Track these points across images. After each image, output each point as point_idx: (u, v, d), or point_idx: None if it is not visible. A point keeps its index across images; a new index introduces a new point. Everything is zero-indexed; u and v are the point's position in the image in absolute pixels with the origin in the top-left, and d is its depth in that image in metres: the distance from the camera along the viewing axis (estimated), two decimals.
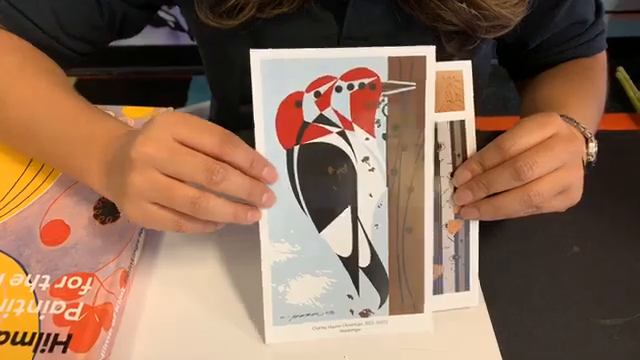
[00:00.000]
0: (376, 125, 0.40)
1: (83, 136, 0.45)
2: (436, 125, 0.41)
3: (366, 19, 0.52)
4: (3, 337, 0.40)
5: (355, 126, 0.40)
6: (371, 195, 0.41)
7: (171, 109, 0.57)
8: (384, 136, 0.40)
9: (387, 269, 0.43)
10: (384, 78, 0.39)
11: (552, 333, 0.45)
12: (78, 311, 0.42)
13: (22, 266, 0.44)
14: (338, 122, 0.40)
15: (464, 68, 0.42)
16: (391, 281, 0.43)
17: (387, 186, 0.41)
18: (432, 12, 0.47)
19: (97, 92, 1.78)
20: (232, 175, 0.37)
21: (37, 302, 0.42)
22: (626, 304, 0.47)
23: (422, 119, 0.40)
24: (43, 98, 0.48)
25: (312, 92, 0.39)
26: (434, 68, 0.39)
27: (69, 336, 0.40)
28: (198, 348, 0.43)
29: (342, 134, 0.40)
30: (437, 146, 0.42)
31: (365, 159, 0.41)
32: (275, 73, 0.38)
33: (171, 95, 1.77)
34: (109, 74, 1.88)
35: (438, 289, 0.44)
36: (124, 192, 0.38)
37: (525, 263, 0.50)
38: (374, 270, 0.43)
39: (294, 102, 0.39)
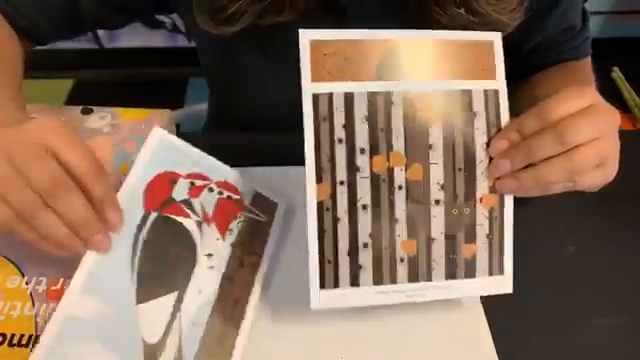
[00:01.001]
0: (228, 232, 0.44)
1: None
2: (471, 92, 0.41)
3: (365, 23, 0.52)
4: (0, 338, 0.40)
5: (212, 223, 0.43)
6: (200, 292, 0.40)
7: (168, 111, 0.57)
8: (232, 245, 0.44)
9: None
10: (247, 202, 0.47)
11: (549, 332, 0.44)
12: None
13: (19, 268, 0.44)
14: (200, 212, 0.43)
15: (495, 38, 0.41)
16: None
17: (218, 290, 0.42)
18: (431, 17, 0.48)
19: (94, 93, 1.78)
20: (74, 196, 0.35)
21: (34, 304, 0.42)
22: (623, 303, 0.47)
23: (262, 249, 0.46)
24: None
25: (189, 180, 0.44)
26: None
27: None
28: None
29: (199, 224, 0.43)
30: (472, 114, 0.40)
31: (209, 255, 0.42)
32: (167, 151, 0.43)
33: (168, 97, 1.77)
34: (106, 76, 1.88)
35: (470, 272, 0.41)
36: None
37: (522, 262, 0.50)
38: None
39: (169, 179, 0.43)
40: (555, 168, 0.39)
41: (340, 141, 0.39)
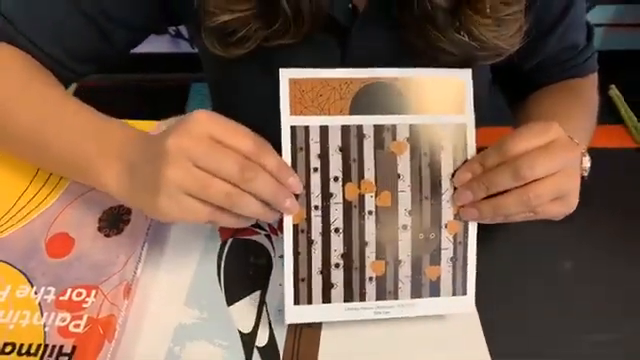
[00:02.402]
0: None
1: (98, 140, 0.46)
2: (439, 127, 0.44)
3: (368, 45, 0.54)
4: (9, 348, 0.41)
5: (278, 232, 0.50)
6: (280, 284, 0.45)
7: (173, 120, 0.59)
8: None
9: (281, 353, 0.44)
10: None
11: (543, 348, 0.46)
12: (82, 323, 0.43)
13: (28, 278, 0.46)
14: (266, 227, 0.52)
15: (465, 75, 0.45)
16: None
17: None
18: (432, 42, 0.49)
19: (97, 98, 1.79)
20: (262, 175, 0.39)
21: (42, 314, 0.43)
22: (618, 320, 0.48)
23: None
24: (54, 104, 0.49)
25: None
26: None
27: (73, 348, 0.41)
28: (199, 357, 0.44)
29: (268, 237, 0.52)
30: (439, 147, 0.44)
31: (281, 256, 0.46)
32: None
33: (170, 102, 1.78)
34: (109, 80, 1.88)
35: (434, 292, 0.45)
36: (157, 186, 0.39)
37: (517, 277, 0.51)
38: (269, 351, 0.45)
39: None
40: (512, 200, 0.42)
41: (315, 170, 0.43)
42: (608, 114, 0.73)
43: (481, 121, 0.47)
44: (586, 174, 0.50)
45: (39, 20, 0.52)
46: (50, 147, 0.48)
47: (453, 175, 0.44)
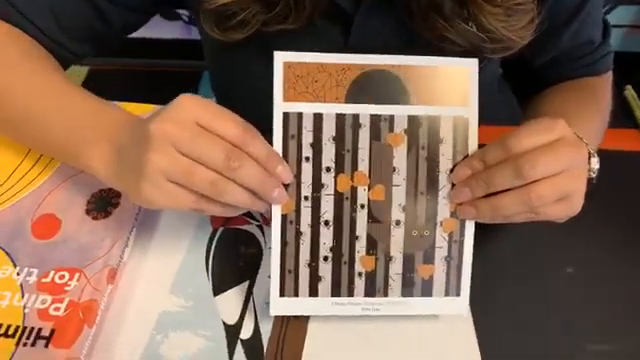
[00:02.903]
0: None
1: (89, 122, 0.45)
2: (439, 119, 0.42)
3: (371, 33, 0.52)
4: None
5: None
6: (268, 276, 0.43)
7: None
8: None
9: (265, 347, 0.43)
10: None
11: (541, 357, 0.44)
12: (63, 306, 0.42)
13: (11, 258, 0.45)
14: (259, 217, 0.51)
15: (471, 65, 0.42)
16: (267, 357, 0.43)
17: None
18: (438, 32, 0.47)
19: (109, 82, 1.79)
20: (248, 164, 0.38)
21: (23, 295, 0.43)
22: (619, 329, 0.46)
23: None
24: (48, 86, 0.48)
25: None
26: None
27: (52, 331, 0.40)
28: (181, 347, 0.43)
29: (260, 227, 0.50)
30: (439, 140, 0.42)
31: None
32: None
33: (181, 89, 1.77)
34: (121, 65, 1.88)
35: (426, 291, 0.43)
36: (141, 171, 0.38)
37: (516, 282, 0.49)
38: (253, 344, 0.43)
39: None
40: (512, 200, 0.40)
41: (307, 159, 0.42)
42: (623, 116, 0.70)
43: (488, 118, 0.45)
44: (594, 176, 0.48)
45: (37, 0, 0.51)
46: (40, 128, 0.47)
47: (452, 171, 0.42)
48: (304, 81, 0.41)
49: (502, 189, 0.40)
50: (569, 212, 0.42)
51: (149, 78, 1.89)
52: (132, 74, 1.90)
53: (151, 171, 0.37)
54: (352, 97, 0.41)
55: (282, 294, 0.42)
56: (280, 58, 0.41)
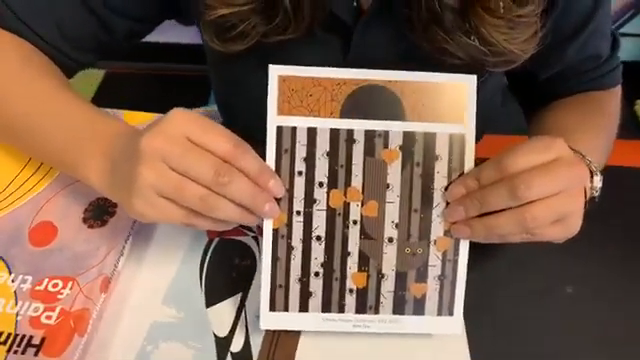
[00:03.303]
0: None
1: (86, 132, 0.45)
2: (435, 136, 0.41)
3: (372, 44, 0.51)
4: None
5: None
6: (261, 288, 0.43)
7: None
8: None
9: (256, 358, 0.43)
10: None
11: None
12: (54, 315, 0.42)
13: (7, 265, 0.45)
14: (254, 229, 0.50)
15: (468, 82, 0.42)
16: None
17: None
18: (438, 44, 0.47)
19: (125, 86, 1.81)
20: (239, 179, 0.38)
21: (17, 302, 0.43)
22: (619, 351, 0.45)
23: None
24: (47, 94, 0.49)
25: None
26: None
27: (42, 339, 0.41)
28: (171, 358, 0.43)
29: (255, 238, 0.49)
30: (434, 157, 0.41)
31: None
32: None
33: (193, 93, 1.79)
34: (137, 69, 1.91)
35: (419, 310, 0.42)
36: (132, 186, 0.38)
37: (513, 302, 0.48)
38: (243, 358, 0.43)
39: None
40: (507, 221, 0.39)
41: (300, 174, 0.41)
42: (633, 130, 0.68)
43: (492, 129, 0.44)
44: (597, 194, 0.46)
45: (39, 8, 0.52)
46: (38, 137, 0.48)
47: (446, 188, 0.41)
48: (299, 95, 0.41)
49: (497, 209, 0.39)
50: (566, 233, 0.41)
51: (164, 82, 1.91)
52: (147, 78, 1.92)
53: (141, 186, 0.37)
54: (347, 112, 0.41)
55: (272, 308, 0.42)
56: (275, 72, 0.41)
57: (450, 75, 0.42)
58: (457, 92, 0.42)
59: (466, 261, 0.42)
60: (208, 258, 0.50)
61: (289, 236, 0.42)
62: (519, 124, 0.64)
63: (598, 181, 0.46)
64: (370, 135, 0.41)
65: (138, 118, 0.58)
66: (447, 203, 0.41)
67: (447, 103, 0.42)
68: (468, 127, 0.42)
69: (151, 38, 0.63)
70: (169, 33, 1.89)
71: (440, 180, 0.41)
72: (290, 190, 0.41)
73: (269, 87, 0.41)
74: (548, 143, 0.40)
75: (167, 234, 0.51)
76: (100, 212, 0.49)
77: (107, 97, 1.83)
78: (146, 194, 0.38)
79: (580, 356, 0.45)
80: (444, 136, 0.41)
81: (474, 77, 0.42)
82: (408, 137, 0.41)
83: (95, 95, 1.76)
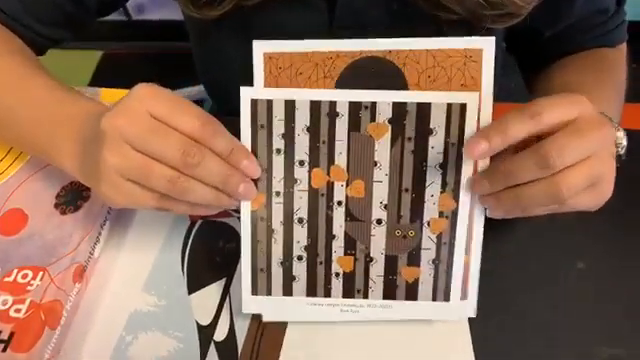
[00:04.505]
0: None
1: (55, 115, 0.42)
2: (430, 107, 0.36)
3: (360, 6, 0.47)
4: None
5: None
6: None
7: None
8: None
9: (240, 351, 0.40)
10: None
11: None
12: (24, 308, 0.40)
13: None
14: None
15: (485, 46, 0.36)
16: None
17: None
18: (437, 2, 0.42)
19: (123, 65, 1.78)
20: (209, 159, 0.35)
21: None
22: (631, 332, 0.42)
23: None
24: (14, 74, 0.46)
25: None
26: None
27: (11, 334, 0.38)
28: (151, 349, 0.41)
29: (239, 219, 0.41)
30: (428, 131, 0.37)
31: None
32: None
33: (192, 72, 1.75)
34: (135, 48, 1.87)
35: (411, 295, 0.39)
36: (98, 170, 0.35)
37: (521, 278, 0.44)
38: (227, 347, 0.40)
39: None
40: (539, 193, 0.35)
41: (278, 151, 0.38)
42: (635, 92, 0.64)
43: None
44: (622, 151, 0.42)
45: None
46: (7, 121, 0.45)
47: (441, 165, 0.37)
48: (287, 74, 0.37)
49: (525, 182, 0.35)
50: (599, 200, 0.37)
51: (162, 61, 1.86)
52: (146, 57, 1.88)
53: (105, 169, 0.34)
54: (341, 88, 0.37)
55: (255, 292, 0.40)
56: (260, 49, 0.37)
57: (461, 39, 0.36)
58: (471, 59, 0.36)
59: (464, 244, 0.38)
60: (190, 242, 0.47)
61: (269, 218, 0.38)
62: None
63: (622, 137, 0.42)
64: (355, 108, 0.37)
65: (117, 95, 0.55)
66: (442, 180, 0.37)
67: (459, 73, 0.36)
68: (484, 96, 0.36)
69: (148, 16, 0.59)
70: (166, 11, 1.85)
71: (434, 156, 0.37)
72: (268, 170, 0.38)
73: (254, 66, 0.37)
74: (573, 98, 0.35)
75: (147, 218, 0.49)
76: (73, 197, 0.46)
77: (105, 78, 1.80)
78: (111, 178, 0.35)
79: (587, 336, 0.41)
80: (440, 107, 0.36)
81: (492, 39, 0.36)
82: (398, 109, 0.37)
83: (93, 76, 1.74)
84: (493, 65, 0.36)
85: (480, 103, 0.36)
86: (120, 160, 0.34)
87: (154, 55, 1.86)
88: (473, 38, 0.36)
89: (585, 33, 0.54)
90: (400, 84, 0.37)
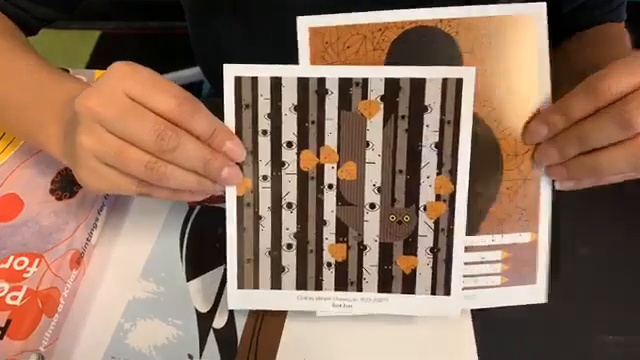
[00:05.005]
0: None
1: (39, 99, 0.41)
2: (424, 82, 0.35)
3: None
4: None
5: None
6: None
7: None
8: None
9: (239, 338, 0.39)
10: None
11: (548, 348, 0.40)
12: (20, 295, 0.39)
13: None
14: None
15: (538, 11, 0.35)
16: (241, 349, 0.39)
17: None
18: None
19: (121, 45, 1.76)
20: (187, 143, 0.33)
21: None
22: (634, 319, 0.41)
23: None
24: (4, 58, 0.44)
25: None
26: None
27: (8, 322, 0.38)
28: (149, 336, 0.40)
29: None
30: (423, 109, 0.35)
31: None
32: None
33: (192, 52, 1.73)
34: (133, 28, 1.84)
35: (408, 287, 0.38)
36: (75, 153, 0.34)
37: None
38: (226, 334, 0.40)
39: None
40: (620, 157, 0.32)
41: (264, 132, 0.36)
42: None
43: None
44: None
45: None
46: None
47: (437, 145, 0.36)
48: (334, 48, 0.36)
49: (600, 146, 0.33)
50: None
51: (161, 41, 1.84)
52: (144, 37, 1.85)
53: (81, 153, 0.33)
54: (393, 63, 0.36)
55: (241, 286, 0.38)
56: (304, 23, 0.35)
57: (514, 6, 0.35)
58: (524, 27, 0.35)
59: (464, 231, 0.37)
60: (189, 228, 0.46)
61: (255, 204, 0.37)
62: None
63: None
64: (345, 84, 0.35)
65: None
66: (439, 161, 0.36)
67: (514, 42, 0.35)
68: (541, 71, 0.35)
69: None
70: None
71: (430, 135, 0.36)
72: (254, 152, 0.36)
73: (299, 43, 0.36)
74: (637, 61, 0.32)
75: (145, 203, 0.48)
76: (69, 183, 0.46)
77: (103, 58, 1.78)
78: (88, 162, 0.33)
79: (590, 324, 0.41)
80: (435, 82, 0.35)
81: (543, 5, 0.35)
82: (391, 85, 0.35)
83: (91, 56, 1.71)
84: (547, 31, 0.35)
85: (534, 70, 0.35)
86: (94, 143, 0.33)
87: (154, 35, 1.84)
88: (525, 5, 0.35)
89: (601, 7, 0.53)
90: (453, 53, 0.36)
